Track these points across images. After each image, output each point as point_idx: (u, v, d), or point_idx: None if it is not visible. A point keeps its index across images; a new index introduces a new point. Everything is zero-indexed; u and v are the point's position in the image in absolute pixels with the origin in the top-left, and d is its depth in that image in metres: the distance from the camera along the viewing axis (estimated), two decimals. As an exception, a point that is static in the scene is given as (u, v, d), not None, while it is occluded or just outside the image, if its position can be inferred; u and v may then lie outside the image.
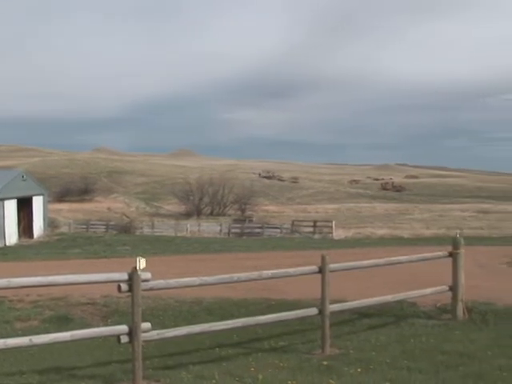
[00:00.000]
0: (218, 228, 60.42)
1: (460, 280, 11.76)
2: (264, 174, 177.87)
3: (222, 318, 10.67)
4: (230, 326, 9.21)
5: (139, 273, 7.73)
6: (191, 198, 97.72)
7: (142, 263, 7.75)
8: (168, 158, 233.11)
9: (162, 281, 8.46)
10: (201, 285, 9.03)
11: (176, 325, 10.43)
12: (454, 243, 11.93)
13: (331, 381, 7.87)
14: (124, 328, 7.87)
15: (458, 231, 15.04)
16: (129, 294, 7.83)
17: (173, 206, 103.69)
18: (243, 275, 9.46)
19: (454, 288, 11.77)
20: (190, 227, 61.05)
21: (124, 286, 7.76)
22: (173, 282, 8.65)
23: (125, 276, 7.78)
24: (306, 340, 10.39)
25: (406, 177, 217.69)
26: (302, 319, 10.46)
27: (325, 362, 8.80)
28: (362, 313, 11.98)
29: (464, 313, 11.75)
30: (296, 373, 8.26)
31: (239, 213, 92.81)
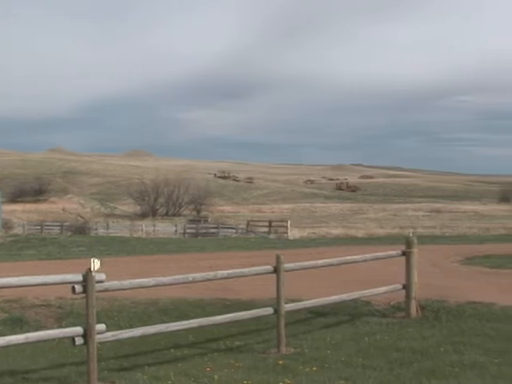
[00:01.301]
0: (174, 228, 60.25)
1: (413, 278, 11.92)
2: (219, 175, 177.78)
3: (178, 318, 10.64)
4: (185, 327, 9.21)
5: (93, 274, 7.68)
6: (146, 198, 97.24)
7: (96, 264, 7.70)
8: (123, 159, 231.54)
9: (116, 282, 8.42)
10: (155, 285, 9.00)
11: (131, 326, 10.39)
12: (407, 242, 12.09)
13: (287, 380, 7.90)
14: (78, 330, 7.81)
15: (412, 230, 15.25)
16: (83, 295, 7.78)
17: (128, 207, 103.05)
18: (198, 275, 9.46)
19: (407, 286, 11.92)
20: (146, 228, 60.75)
21: (78, 288, 7.70)
22: (127, 282, 8.60)
23: (79, 277, 7.72)
24: (261, 339, 10.42)
25: (361, 177, 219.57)
26: (257, 319, 10.49)
27: (280, 362, 8.84)
28: (318, 312, 12.06)
29: (417, 310, 11.90)
30: (251, 372, 8.29)
31: (194, 213, 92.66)
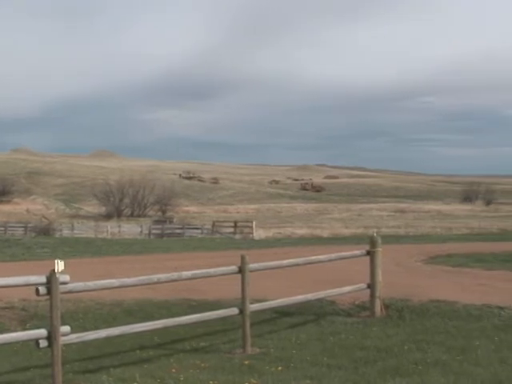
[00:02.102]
0: (139, 229, 59.96)
1: (377, 278, 12.03)
2: (184, 175, 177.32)
3: (143, 319, 10.60)
4: (150, 328, 9.19)
5: (58, 275, 7.63)
6: (111, 199, 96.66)
7: (60, 265, 7.65)
8: (88, 159, 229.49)
9: (80, 283, 8.37)
10: (120, 286, 8.97)
11: (96, 327, 10.32)
12: (372, 242, 12.20)
13: (252, 380, 7.93)
14: (43, 332, 7.75)
15: (376, 230, 15.38)
16: (47, 297, 7.72)
17: (93, 208, 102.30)
18: (163, 276, 9.44)
19: (371, 286, 12.03)
20: (111, 229, 60.40)
21: (42, 289, 7.64)
22: (92, 284, 8.57)
23: (43, 279, 7.66)
24: (227, 340, 10.44)
25: (326, 177, 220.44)
26: (223, 319, 10.50)
27: (246, 362, 8.86)
28: (283, 312, 12.10)
29: (381, 309, 12.01)
30: (217, 373, 8.29)
31: (160, 214, 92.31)
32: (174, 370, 8.42)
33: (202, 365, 8.73)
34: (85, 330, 9.57)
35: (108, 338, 8.92)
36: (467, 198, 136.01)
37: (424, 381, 7.70)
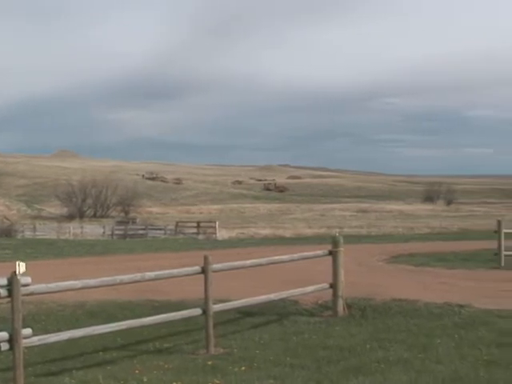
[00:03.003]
0: (102, 230, 59.53)
1: (340, 277, 12.10)
2: (147, 176, 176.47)
3: (106, 320, 10.53)
4: (113, 329, 9.14)
5: (19, 277, 7.56)
6: (74, 199, 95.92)
7: (21, 267, 7.58)
8: (50, 159, 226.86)
9: (42, 285, 8.30)
10: (83, 288, 8.92)
11: (59, 329, 10.23)
12: (334, 242, 12.27)
13: (216, 380, 7.94)
14: (4, 335, 7.67)
15: (338, 230, 15.47)
16: (8, 299, 7.65)
17: (55, 209, 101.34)
18: (126, 277, 9.41)
19: (334, 285, 12.10)
20: (73, 229, 59.89)
21: (3, 292, 7.57)
22: (54, 285, 8.50)
23: (4, 281, 7.58)
24: (190, 340, 10.43)
25: (289, 177, 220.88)
26: (186, 320, 10.49)
27: (209, 362, 8.87)
28: (247, 312, 12.12)
29: (344, 309, 12.09)
30: (181, 373, 8.29)
31: (123, 214, 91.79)
32: (137, 372, 8.40)
33: (166, 366, 8.72)
34: (47, 332, 9.49)
35: (70, 340, 8.86)
36: (428, 197, 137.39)
37: (386, 379, 7.77)
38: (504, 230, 20.95)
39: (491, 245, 22.25)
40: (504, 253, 20.60)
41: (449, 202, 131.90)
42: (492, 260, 20.95)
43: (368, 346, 9.47)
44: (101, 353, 9.79)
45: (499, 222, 21.50)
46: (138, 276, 9.57)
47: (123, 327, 9.22)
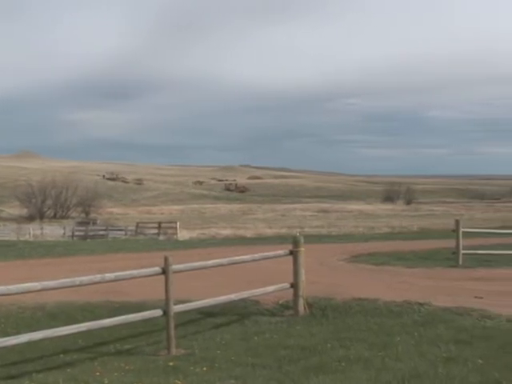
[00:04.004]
0: (62, 231, 58.98)
1: (300, 277, 12.16)
2: (108, 176, 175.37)
3: (66, 322, 10.46)
4: (73, 331, 9.08)
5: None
6: (34, 200, 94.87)
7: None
8: (9, 160, 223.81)
9: (1, 287, 8.23)
10: (42, 289, 8.85)
11: (18, 332, 10.14)
12: (294, 242, 12.33)
13: (177, 381, 7.93)
14: (-38, 337, 7.59)
15: (299, 230, 15.54)
16: (-34, 301, 7.57)
17: (15, 209, 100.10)
18: (86, 278, 9.35)
19: (295, 285, 12.15)
20: (33, 231, 59.18)
21: (-39, 294, 7.48)
22: (13, 287, 8.42)
23: (-38, 283, 7.50)
24: (151, 341, 10.41)
25: (249, 178, 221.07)
26: (147, 321, 10.45)
27: (171, 363, 8.85)
28: (208, 312, 12.11)
29: (305, 308, 12.15)
30: (142, 375, 8.27)
31: (83, 215, 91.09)
32: (98, 374, 8.35)
33: (127, 367, 8.68)
34: (6, 334, 9.41)
35: (30, 343, 8.77)
36: (388, 197, 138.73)
37: (347, 377, 7.83)
38: (462, 229, 21.24)
39: (449, 244, 22.53)
40: (462, 251, 20.89)
41: (408, 202, 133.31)
42: (450, 259, 21.22)
43: (329, 345, 9.53)
44: (61, 355, 9.72)
45: (457, 222, 21.78)
46: (97, 277, 9.52)
47: (83, 329, 9.16)
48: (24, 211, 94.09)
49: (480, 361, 8.35)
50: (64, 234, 57.46)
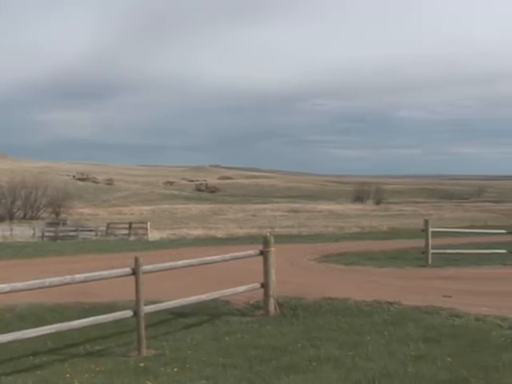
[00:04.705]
0: (32, 232, 58.41)
1: (271, 277, 12.19)
2: (78, 176, 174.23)
3: (36, 324, 10.38)
4: (43, 333, 9.02)
5: None
6: (3, 201, 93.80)
7: None
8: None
9: (-30, 289, 8.15)
10: (11, 291, 8.77)
11: (-14, 334, 10.05)
12: (265, 242, 12.35)
13: (148, 382, 7.92)
14: None
15: (269, 230, 15.58)
16: None
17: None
18: (56, 280, 9.29)
19: (265, 285, 12.18)
20: (2, 232, 58.49)
21: None
22: (-19, 289, 8.35)
23: None
24: (122, 342, 10.36)
25: (220, 178, 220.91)
26: (117, 322, 10.40)
27: (141, 364, 8.83)
28: (178, 313, 12.10)
29: (276, 308, 12.18)
30: (112, 376, 8.24)
31: (53, 216, 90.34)
32: (68, 376, 8.31)
33: (97, 369, 8.65)
34: (-26, 336, 9.31)
35: (-1, 345, 8.70)
36: (358, 197, 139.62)
37: (318, 377, 7.87)
38: (431, 229, 21.46)
39: (419, 243, 22.76)
40: (431, 251, 21.11)
41: (378, 202, 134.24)
42: (420, 258, 21.42)
43: (299, 345, 9.57)
44: (31, 357, 9.64)
45: (426, 221, 22.00)
46: (67, 278, 9.46)
47: (53, 330, 9.10)
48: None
49: (449, 359, 8.44)
50: (34, 234, 56.92)
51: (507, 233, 23.87)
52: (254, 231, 54.16)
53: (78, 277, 9.58)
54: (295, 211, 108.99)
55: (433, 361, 8.36)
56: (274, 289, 12.21)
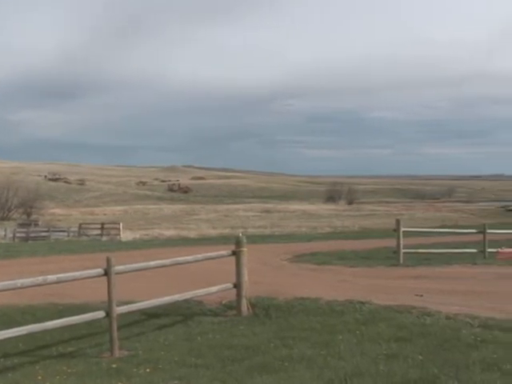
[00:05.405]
0: (3, 233, 57.89)
1: (243, 277, 12.22)
2: (50, 177, 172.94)
3: (7, 326, 10.29)
4: (14, 334, 8.95)
5: None
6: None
7: None
8: None
9: None
10: (-17, 293, 8.71)
11: (-44, 336, 9.96)
12: (237, 242, 12.38)
13: (120, 383, 7.91)
14: None
15: (242, 230, 15.62)
16: None
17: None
18: (27, 281, 9.23)
19: (237, 285, 12.20)
20: (-26, 233, 58.05)
21: None
22: (-48, 291, 8.27)
23: None
24: (94, 344, 10.32)
25: (193, 178, 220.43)
26: (90, 323, 10.36)
27: (114, 365, 8.81)
28: (151, 313, 12.07)
29: (248, 308, 12.20)
30: (85, 377, 8.21)
31: (25, 216, 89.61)
32: (39, 378, 8.27)
33: (69, 370, 8.61)
34: None
35: (-30, 347, 8.64)
36: (330, 197, 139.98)
37: (290, 376, 7.91)
38: (402, 229, 21.63)
39: (390, 243, 22.92)
40: (402, 250, 21.28)
41: (350, 202, 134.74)
42: (391, 257, 21.59)
43: (272, 345, 9.60)
44: (1, 359, 9.56)
45: (398, 221, 22.17)
46: (39, 279, 9.41)
47: (24, 332, 9.04)
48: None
49: (420, 357, 8.52)
50: (5, 235, 56.43)
51: (477, 232, 24.12)
52: (226, 231, 54.17)
53: (50, 278, 9.53)
54: (268, 211, 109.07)
55: (404, 359, 8.43)
56: (246, 289, 12.23)
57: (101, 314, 9.84)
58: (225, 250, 12.89)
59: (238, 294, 12.21)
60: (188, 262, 12.43)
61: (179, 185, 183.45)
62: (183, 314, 12.36)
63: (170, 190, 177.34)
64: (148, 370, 8.44)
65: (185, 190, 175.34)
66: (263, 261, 21.86)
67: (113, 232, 51.75)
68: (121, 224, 53.37)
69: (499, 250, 23.28)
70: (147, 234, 55.74)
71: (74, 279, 10.17)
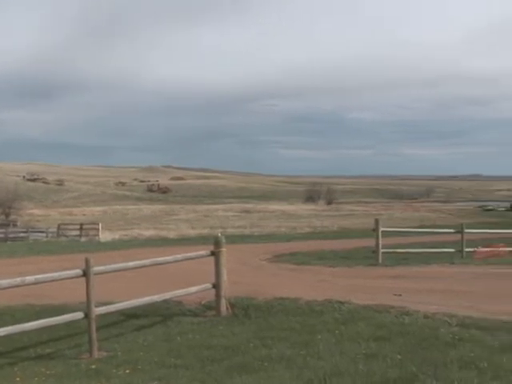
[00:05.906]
0: (-19, 234, 57.56)
1: (222, 277, 12.21)
2: (28, 177, 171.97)
3: (-16, 327, 10.25)
4: (-8, 336, 8.91)
5: None
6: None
7: None
8: None
9: None
10: (-40, 294, 8.65)
11: None
12: (216, 242, 12.37)
13: (99, 384, 7.89)
14: None
15: (221, 230, 15.62)
16: None
17: None
18: (5, 282, 9.17)
19: (217, 285, 12.20)
20: (-50, 234, 57.53)
21: None
22: None
23: None
24: (73, 345, 10.27)
25: (172, 178, 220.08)
26: (68, 324, 10.31)
27: (93, 366, 8.78)
28: (130, 314, 12.04)
29: (227, 308, 12.20)
30: (64, 379, 8.18)
31: (3, 217, 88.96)
32: (18, 379, 8.23)
33: (48, 372, 8.57)
34: None
35: None
36: (310, 198, 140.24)
37: (270, 376, 7.91)
38: (381, 229, 21.74)
39: (369, 243, 23.04)
40: (381, 250, 21.38)
41: (329, 202, 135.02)
42: (370, 257, 21.68)
43: (251, 345, 9.59)
44: (-21, 361, 9.52)
45: (377, 221, 22.27)
46: (17, 280, 9.35)
47: (2, 333, 8.98)
48: None
49: (399, 356, 8.55)
50: (-17, 236, 56.10)
51: (455, 232, 24.28)
52: (205, 231, 54.07)
53: (29, 279, 9.48)
54: (247, 211, 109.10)
55: (383, 358, 8.46)
56: (225, 289, 12.23)
57: (79, 314, 9.80)
58: (204, 251, 12.88)
59: (218, 295, 12.20)
60: (167, 262, 12.41)
61: (158, 185, 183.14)
62: (162, 314, 12.33)
63: (149, 190, 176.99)
64: (127, 371, 8.42)
65: (164, 191, 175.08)
66: (243, 261, 21.87)
67: (92, 232, 51.53)
68: (100, 224, 53.17)
69: (476, 249, 23.47)
70: (126, 235, 55.51)
71: (53, 280, 10.11)
